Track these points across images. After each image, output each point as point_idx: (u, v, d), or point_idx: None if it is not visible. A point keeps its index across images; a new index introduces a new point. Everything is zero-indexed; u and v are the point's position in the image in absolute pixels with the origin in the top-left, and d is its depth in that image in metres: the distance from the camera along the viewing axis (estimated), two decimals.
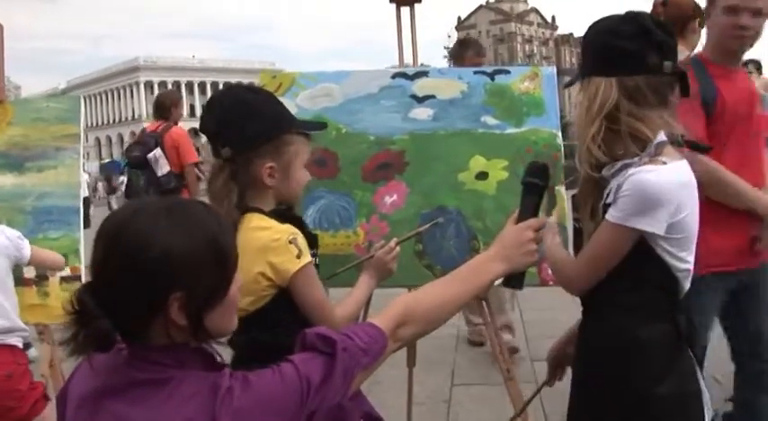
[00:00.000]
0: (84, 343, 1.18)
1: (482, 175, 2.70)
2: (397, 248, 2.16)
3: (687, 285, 1.73)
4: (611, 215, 1.65)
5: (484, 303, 2.71)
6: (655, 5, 3.29)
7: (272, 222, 1.85)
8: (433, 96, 2.76)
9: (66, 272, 3.27)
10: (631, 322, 1.71)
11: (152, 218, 1.20)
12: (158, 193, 5.83)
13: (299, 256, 1.80)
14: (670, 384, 1.68)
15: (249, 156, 1.85)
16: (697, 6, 3.24)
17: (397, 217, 2.71)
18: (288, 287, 1.83)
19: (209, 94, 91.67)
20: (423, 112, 2.76)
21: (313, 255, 1.91)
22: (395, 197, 2.72)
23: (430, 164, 2.72)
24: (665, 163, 1.63)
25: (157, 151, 5.79)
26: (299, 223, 1.94)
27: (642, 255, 1.67)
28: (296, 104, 2.82)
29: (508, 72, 2.78)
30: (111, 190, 23.54)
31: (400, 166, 2.74)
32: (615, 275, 1.71)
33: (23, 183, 3.37)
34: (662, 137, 1.66)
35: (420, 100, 2.77)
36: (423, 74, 2.81)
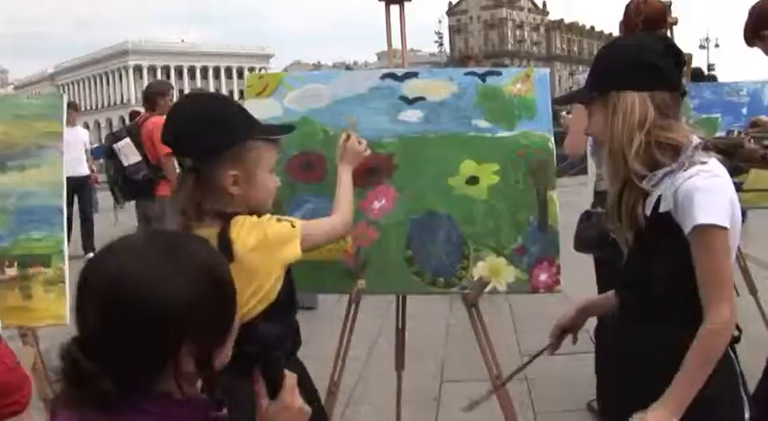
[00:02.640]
0: (82, 401, 1.09)
1: (473, 180, 2.65)
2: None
3: None
4: (697, 220, 1.63)
5: (473, 309, 2.67)
6: (636, 3, 3.28)
7: (255, 218, 1.88)
8: (423, 98, 2.70)
9: (51, 273, 3.21)
10: (673, 321, 1.71)
11: (151, 263, 1.12)
12: (125, 183, 5.86)
13: (293, 225, 1.92)
14: (719, 386, 1.67)
15: (210, 165, 1.84)
16: (667, 7, 3.29)
17: (385, 222, 2.66)
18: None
19: (198, 78, 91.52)
20: (412, 114, 2.70)
21: None
22: (384, 201, 2.67)
23: (420, 167, 2.67)
24: (705, 162, 1.69)
25: (123, 141, 5.83)
26: None
27: (685, 251, 1.67)
28: (283, 106, 2.76)
29: (500, 73, 2.72)
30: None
31: (389, 170, 2.68)
32: (655, 274, 1.72)
33: (5, 182, 3.27)
34: (696, 140, 1.72)
35: (410, 102, 2.71)
36: (413, 75, 2.75)
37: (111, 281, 1.10)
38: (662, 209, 1.69)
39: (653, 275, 1.72)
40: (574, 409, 3.89)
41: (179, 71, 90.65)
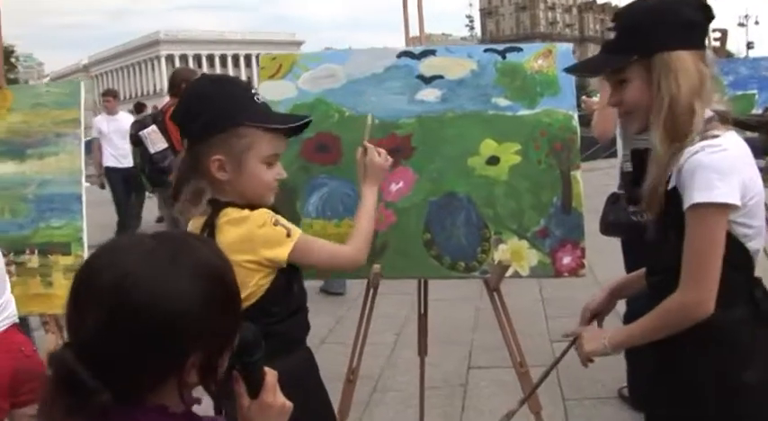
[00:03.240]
0: (72, 412, 1.01)
1: (493, 160, 2.56)
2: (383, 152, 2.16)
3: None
4: (693, 198, 1.55)
5: (496, 294, 2.58)
6: None
7: (247, 212, 1.79)
8: (440, 76, 2.61)
9: (71, 261, 3.20)
10: None
11: (161, 267, 1.04)
12: (153, 170, 5.83)
13: (288, 234, 1.79)
14: (756, 371, 1.59)
15: (200, 147, 1.79)
16: None
17: (403, 204, 2.59)
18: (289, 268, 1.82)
19: (230, 66, 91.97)
20: (430, 93, 2.62)
21: None
22: (401, 184, 2.59)
23: (438, 148, 2.59)
24: (717, 136, 1.59)
25: (150, 128, 5.76)
26: (273, 210, 1.88)
27: None
28: (297, 87, 2.70)
29: (520, 49, 2.62)
30: None
31: (407, 151, 2.60)
32: (673, 256, 1.62)
33: (24, 170, 3.27)
34: (709, 113, 1.62)
35: (427, 80, 2.62)
36: (430, 52, 2.66)
37: (118, 282, 1.01)
38: (670, 185, 1.61)
39: (672, 257, 1.62)
40: (604, 397, 3.79)
41: (210, 60, 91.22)
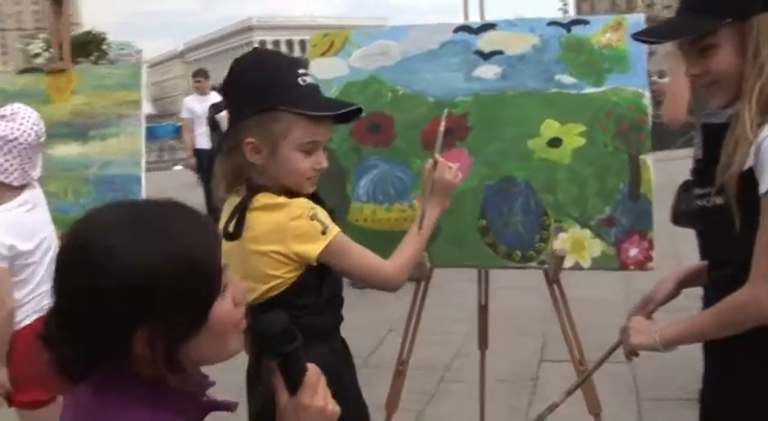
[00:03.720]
0: (53, 371, 1.03)
1: (555, 142, 2.36)
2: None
3: None
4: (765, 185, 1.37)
5: (555, 287, 2.40)
6: None
7: (283, 199, 1.68)
8: (500, 52, 2.43)
9: None
10: None
11: (118, 232, 1.02)
12: None
13: (324, 232, 1.66)
14: None
15: (238, 126, 1.70)
16: None
17: (458, 188, 2.42)
18: (320, 265, 1.69)
19: None
20: (489, 70, 2.44)
21: None
22: (456, 166, 2.44)
23: (496, 129, 2.41)
24: None
25: (225, 112, 5.74)
26: (315, 199, 1.77)
27: None
28: (348, 65, 2.57)
29: (587, 22, 2.40)
30: None
31: (463, 132, 2.44)
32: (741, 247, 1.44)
33: (87, 152, 3.30)
34: None
35: (486, 56, 2.44)
36: (490, 26, 2.47)
37: (74, 242, 1.04)
38: (746, 165, 1.41)
39: (742, 249, 1.42)
40: (684, 398, 3.53)
41: (302, 45, 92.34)
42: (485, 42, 2.45)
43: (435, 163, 1.96)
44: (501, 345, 4.53)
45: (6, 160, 2.40)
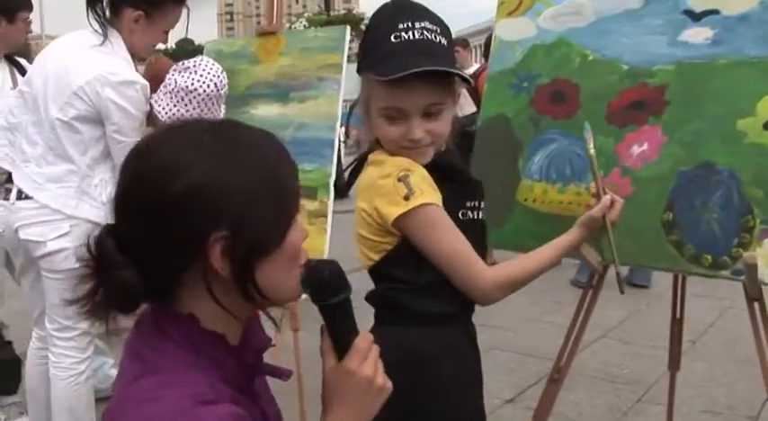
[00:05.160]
0: (103, 301, 0.96)
1: None
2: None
3: None
4: None
5: (756, 305, 1.93)
6: None
7: (386, 156, 1.55)
8: (715, 11, 1.99)
9: (315, 206, 3.18)
10: None
11: (191, 137, 0.99)
12: (461, 134, 5.68)
13: (407, 197, 1.46)
14: None
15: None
16: None
17: (644, 173, 2.04)
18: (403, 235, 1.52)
19: None
20: (698, 34, 2.01)
21: (472, 209, 1.58)
22: (645, 146, 2.04)
23: (699, 105, 1.98)
24: None
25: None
26: (456, 174, 1.63)
27: None
28: (537, 25, 2.28)
29: None
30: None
31: (658, 106, 2.04)
32: None
33: (286, 113, 3.34)
34: None
35: (696, 17, 2.01)
36: None
37: (144, 148, 1.00)
38: None
39: None
40: None
41: None
42: (697, 0, 2.03)
43: (612, 202, 1.76)
44: (724, 373, 3.92)
45: (187, 110, 2.46)
